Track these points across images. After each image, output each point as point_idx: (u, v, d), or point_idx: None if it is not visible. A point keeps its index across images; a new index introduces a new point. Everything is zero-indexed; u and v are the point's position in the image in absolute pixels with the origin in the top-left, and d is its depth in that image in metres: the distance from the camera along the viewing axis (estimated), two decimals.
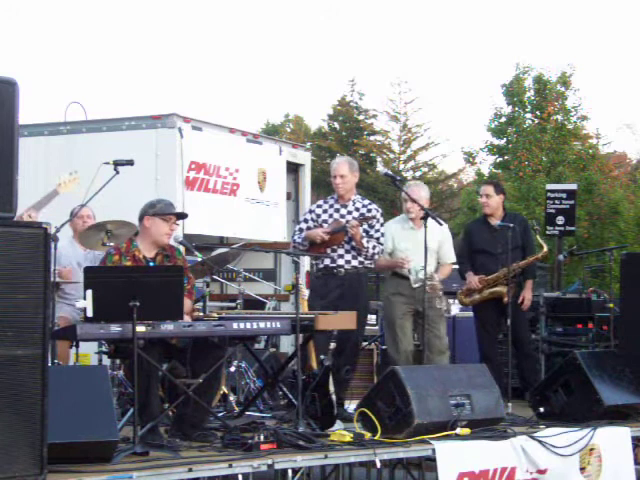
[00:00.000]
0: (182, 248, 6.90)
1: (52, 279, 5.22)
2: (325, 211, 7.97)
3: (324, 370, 6.68)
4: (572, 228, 13.23)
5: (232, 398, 7.95)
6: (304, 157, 11.55)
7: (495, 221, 8.79)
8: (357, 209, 7.92)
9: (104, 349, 7.30)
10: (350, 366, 7.74)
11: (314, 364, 7.37)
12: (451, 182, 40.64)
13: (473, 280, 8.80)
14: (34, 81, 51.51)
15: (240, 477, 5.51)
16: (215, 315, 7.03)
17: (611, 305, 9.38)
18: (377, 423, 6.23)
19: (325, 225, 7.86)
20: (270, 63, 68.12)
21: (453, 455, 6.09)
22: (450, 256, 8.52)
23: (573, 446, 6.65)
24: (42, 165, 9.63)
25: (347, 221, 7.77)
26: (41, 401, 4.77)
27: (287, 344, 10.40)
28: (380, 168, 36.00)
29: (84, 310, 5.70)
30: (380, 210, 8.08)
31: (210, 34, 65.43)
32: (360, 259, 7.80)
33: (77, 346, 7.27)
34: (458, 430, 6.31)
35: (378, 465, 6.04)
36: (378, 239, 7.88)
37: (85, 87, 54.22)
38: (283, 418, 6.89)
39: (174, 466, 5.27)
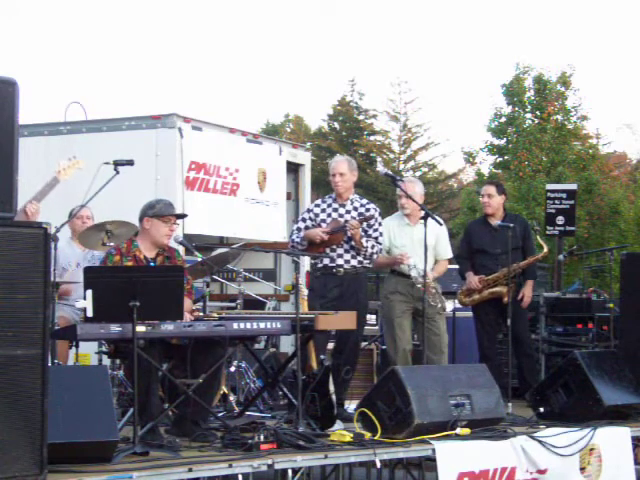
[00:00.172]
0: (182, 248, 6.89)
1: (52, 279, 5.22)
2: (323, 210, 7.95)
3: (324, 370, 6.67)
4: (572, 228, 13.21)
5: (232, 398, 7.95)
6: (304, 157, 11.53)
7: (495, 221, 8.79)
8: (355, 208, 7.91)
9: (104, 349, 7.30)
10: (350, 366, 7.73)
11: (314, 364, 7.37)
12: (451, 182, 40.65)
13: (473, 280, 8.80)
14: (34, 81, 51.62)
15: (240, 477, 5.50)
16: (215, 315, 7.03)
17: (611, 305, 9.39)
18: (377, 423, 6.22)
19: (324, 224, 7.85)
20: (270, 63, 68.19)
21: (453, 455, 6.08)
22: (447, 252, 8.52)
23: (573, 446, 6.64)
24: (42, 165, 9.61)
25: (346, 221, 7.76)
26: (41, 401, 4.76)
27: (287, 344, 10.38)
28: (380, 168, 35.87)
29: (84, 310, 5.70)
30: (378, 209, 8.07)
31: (210, 34, 65.50)
32: (359, 259, 7.80)
33: (77, 346, 7.28)
34: (458, 430, 6.31)
35: (378, 465, 6.03)
36: (377, 238, 7.88)
37: (85, 87, 54.32)
38: (283, 418, 6.89)
39: (174, 466, 5.27)
